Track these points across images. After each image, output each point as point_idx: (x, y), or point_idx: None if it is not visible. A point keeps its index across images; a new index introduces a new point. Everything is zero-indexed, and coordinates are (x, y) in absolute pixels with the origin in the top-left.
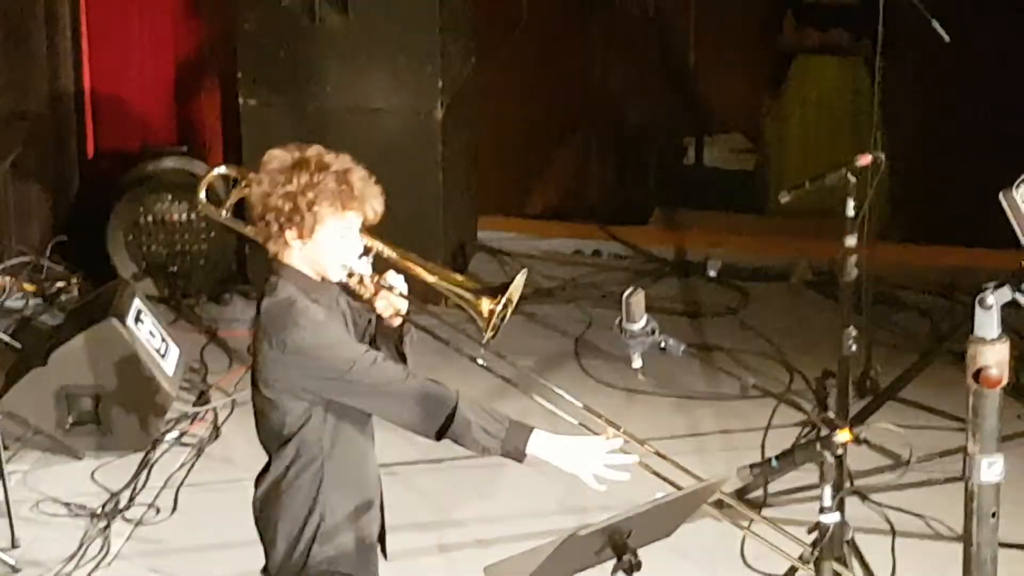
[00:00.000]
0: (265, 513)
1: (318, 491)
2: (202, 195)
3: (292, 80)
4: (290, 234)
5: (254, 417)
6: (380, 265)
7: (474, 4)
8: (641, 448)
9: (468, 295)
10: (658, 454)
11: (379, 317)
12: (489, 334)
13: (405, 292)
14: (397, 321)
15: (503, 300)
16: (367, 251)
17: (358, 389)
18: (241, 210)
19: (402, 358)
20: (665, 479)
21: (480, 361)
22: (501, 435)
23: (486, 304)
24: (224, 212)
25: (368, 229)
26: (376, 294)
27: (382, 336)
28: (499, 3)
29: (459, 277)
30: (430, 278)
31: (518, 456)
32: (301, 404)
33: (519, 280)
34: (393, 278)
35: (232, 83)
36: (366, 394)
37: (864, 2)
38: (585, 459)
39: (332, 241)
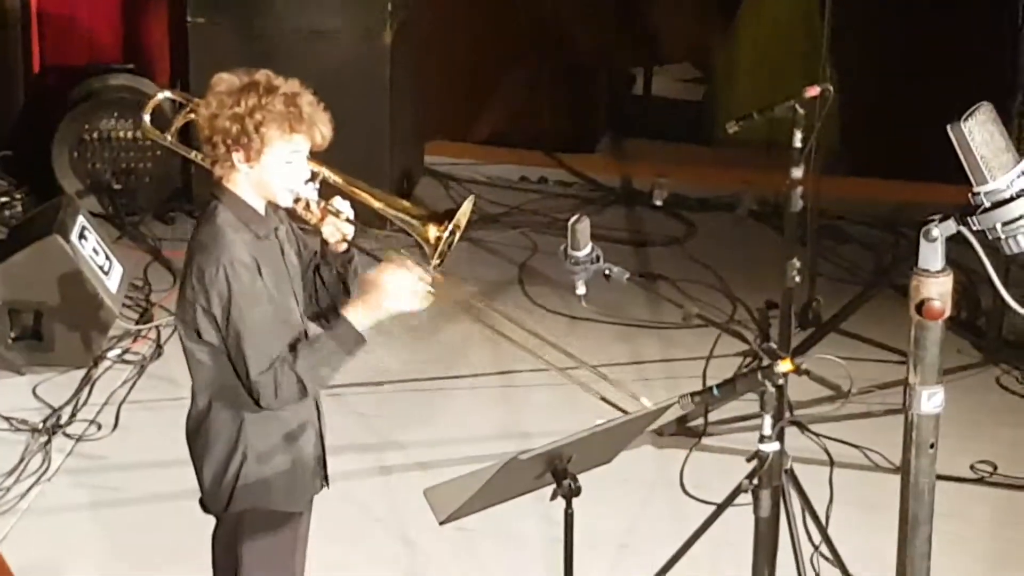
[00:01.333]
0: (192, 445)
1: (239, 430)
2: (147, 118)
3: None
4: (237, 157)
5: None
6: (327, 191)
7: None
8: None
9: (415, 221)
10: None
11: (325, 243)
12: (435, 260)
13: (351, 217)
14: (343, 247)
15: (450, 227)
16: (314, 176)
17: (230, 343)
18: (187, 134)
19: (345, 287)
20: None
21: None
22: (339, 351)
23: (433, 231)
24: (169, 136)
25: (315, 154)
26: (322, 219)
27: (327, 263)
28: None
29: (406, 203)
30: (377, 204)
31: (362, 344)
32: (212, 333)
33: (466, 206)
34: (339, 203)
35: (180, 1)
36: (233, 349)
37: None
38: (389, 296)
39: (279, 165)
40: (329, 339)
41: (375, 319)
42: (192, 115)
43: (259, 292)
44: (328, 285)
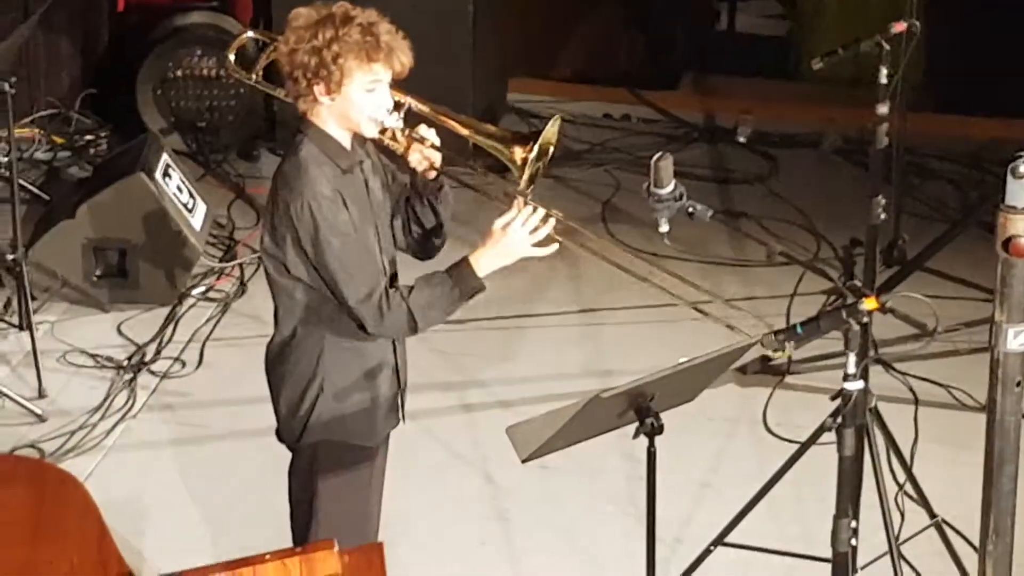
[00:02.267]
0: (271, 374)
1: (318, 359)
2: (231, 58)
3: None
4: (318, 89)
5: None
6: (412, 120)
7: None
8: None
9: (500, 145)
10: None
11: (414, 172)
12: (524, 182)
13: (437, 144)
14: (432, 174)
15: (535, 147)
16: (398, 106)
17: (325, 275)
18: (271, 72)
19: (437, 216)
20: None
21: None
22: (455, 294)
23: (519, 152)
24: (254, 76)
25: (399, 85)
26: (408, 148)
27: (418, 193)
28: None
29: (491, 128)
30: (463, 130)
31: (480, 291)
32: (301, 268)
33: (552, 127)
34: (424, 131)
35: None
36: (328, 280)
37: None
38: (518, 243)
39: (360, 95)
40: (448, 279)
41: (499, 265)
42: (274, 53)
43: (345, 223)
44: (422, 217)
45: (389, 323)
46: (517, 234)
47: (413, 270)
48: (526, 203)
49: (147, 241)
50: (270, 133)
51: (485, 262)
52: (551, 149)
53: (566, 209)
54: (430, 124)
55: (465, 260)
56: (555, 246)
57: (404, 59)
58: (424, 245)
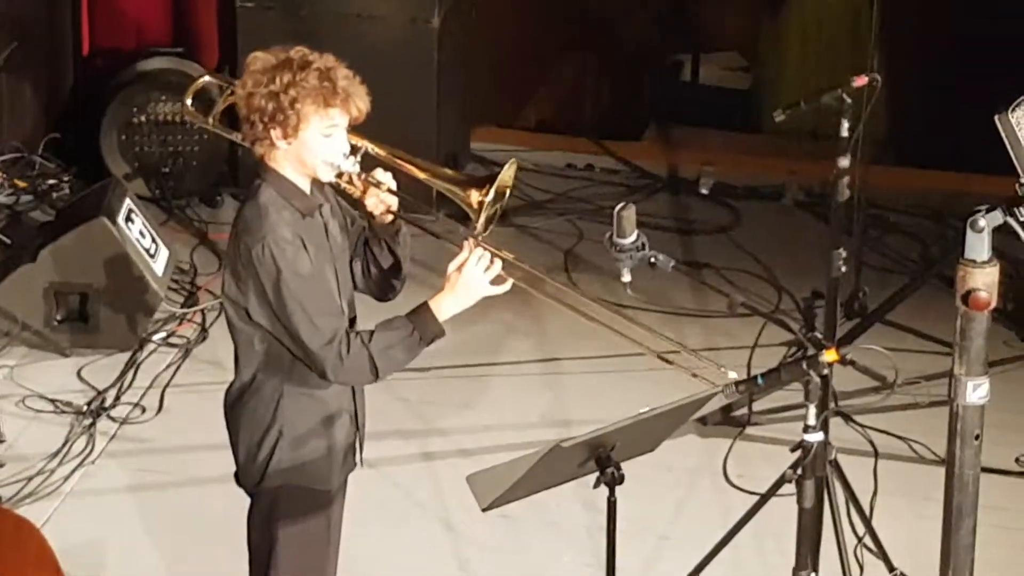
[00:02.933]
0: (230, 419)
1: (277, 405)
2: (189, 102)
3: None
4: (275, 134)
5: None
6: (370, 164)
7: None
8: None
9: (456, 188)
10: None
11: (371, 216)
12: (481, 225)
13: (394, 187)
14: (389, 218)
15: (491, 191)
16: (355, 150)
17: (286, 320)
18: (232, 117)
19: (395, 258)
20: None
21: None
22: (416, 338)
23: (475, 195)
24: (212, 120)
25: (357, 130)
26: (365, 192)
27: (376, 237)
28: None
29: (448, 171)
30: (419, 174)
31: (440, 336)
32: (262, 313)
33: (507, 170)
34: (381, 175)
35: None
36: (288, 325)
37: None
38: (475, 285)
39: (317, 139)
40: (408, 324)
41: (460, 308)
42: (232, 97)
43: (306, 267)
44: (380, 259)
45: (349, 368)
46: (473, 275)
47: (375, 312)
48: (477, 244)
49: (109, 286)
50: (233, 179)
51: (445, 306)
52: (507, 192)
53: (529, 258)
54: (387, 168)
55: (425, 305)
56: (510, 283)
57: (361, 104)
58: (383, 287)
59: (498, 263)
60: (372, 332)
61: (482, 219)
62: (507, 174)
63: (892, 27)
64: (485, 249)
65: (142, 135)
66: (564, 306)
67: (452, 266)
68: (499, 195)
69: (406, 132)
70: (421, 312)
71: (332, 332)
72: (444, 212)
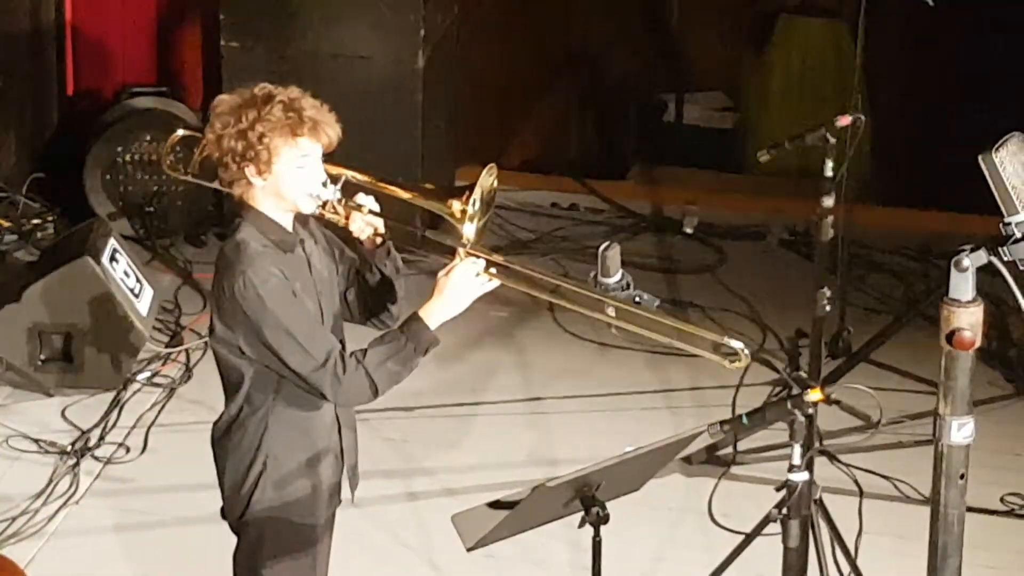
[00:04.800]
0: (217, 452)
1: (261, 439)
2: (169, 160)
3: (274, 24)
4: (249, 171)
5: (214, 356)
6: (351, 191)
7: None
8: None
9: (437, 201)
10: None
11: (359, 241)
12: (474, 235)
13: (376, 209)
14: (378, 240)
15: (472, 198)
16: (335, 179)
17: (276, 350)
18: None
19: (388, 283)
20: None
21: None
22: (410, 348)
23: (456, 204)
24: (191, 171)
25: (334, 161)
26: (348, 217)
27: (368, 264)
28: None
29: (428, 186)
30: (402, 194)
31: (435, 344)
32: (251, 348)
33: (486, 176)
34: (363, 198)
35: (214, 25)
36: (277, 355)
37: None
38: (464, 287)
39: (291, 172)
40: (400, 335)
41: (451, 314)
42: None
43: (290, 296)
44: (374, 287)
45: (347, 387)
46: (462, 278)
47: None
48: (468, 253)
49: (93, 325)
50: (218, 218)
51: (436, 312)
52: (493, 200)
53: (514, 297)
54: (368, 192)
55: (415, 315)
56: (497, 282)
57: (331, 132)
58: (379, 314)
59: (482, 263)
60: (365, 350)
61: (471, 228)
62: (486, 180)
63: (876, 67)
64: (476, 255)
65: (126, 174)
66: (566, 305)
67: (442, 273)
68: (485, 204)
69: (391, 172)
70: (411, 322)
71: (324, 354)
72: (429, 231)
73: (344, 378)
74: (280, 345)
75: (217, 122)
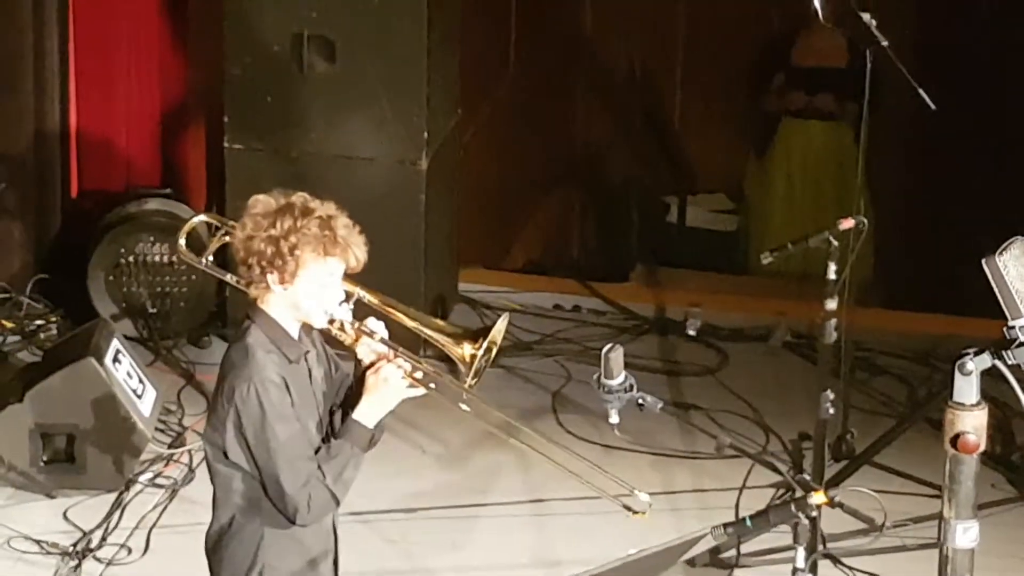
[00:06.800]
0: (212, 563)
1: (258, 549)
2: (182, 242)
3: (278, 126)
4: (272, 278)
5: (206, 461)
6: (361, 311)
7: (460, 56)
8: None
9: (448, 340)
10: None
11: (359, 363)
12: (471, 379)
13: (386, 337)
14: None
15: (484, 344)
16: (348, 297)
17: (263, 461)
18: (222, 257)
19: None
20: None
21: (463, 407)
22: (355, 451)
23: (468, 348)
24: (204, 260)
25: (349, 276)
26: (357, 340)
27: (361, 384)
28: (485, 56)
29: (440, 322)
30: (411, 323)
31: (377, 439)
32: (239, 453)
33: (500, 324)
34: (373, 324)
35: (218, 127)
36: (266, 467)
37: (851, 67)
38: (392, 387)
39: (313, 287)
40: (344, 443)
41: (383, 412)
42: (227, 238)
43: (290, 411)
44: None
45: (315, 507)
46: (391, 379)
47: None
48: (397, 355)
49: (95, 426)
50: (221, 320)
51: (369, 412)
52: (496, 346)
53: (516, 400)
54: (379, 316)
55: (352, 420)
56: (423, 390)
57: (359, 254)
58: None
59: (409, 368)
60: (319, 467)
61: (473, 372)
62: (499, 328)
63: (879, 169)
64: (404, 357)
65: (130, 276)
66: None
67: (370, 373)
68: (488, 348)
69: (394, 273)
70: (350, 428)
71: (307, 476)
72: (432, 357)
73: (312, 501)
74: (270, 456)
75: (250, 222)
